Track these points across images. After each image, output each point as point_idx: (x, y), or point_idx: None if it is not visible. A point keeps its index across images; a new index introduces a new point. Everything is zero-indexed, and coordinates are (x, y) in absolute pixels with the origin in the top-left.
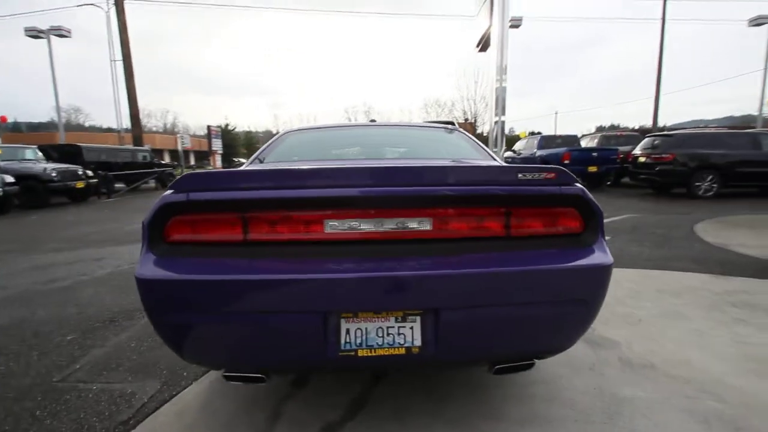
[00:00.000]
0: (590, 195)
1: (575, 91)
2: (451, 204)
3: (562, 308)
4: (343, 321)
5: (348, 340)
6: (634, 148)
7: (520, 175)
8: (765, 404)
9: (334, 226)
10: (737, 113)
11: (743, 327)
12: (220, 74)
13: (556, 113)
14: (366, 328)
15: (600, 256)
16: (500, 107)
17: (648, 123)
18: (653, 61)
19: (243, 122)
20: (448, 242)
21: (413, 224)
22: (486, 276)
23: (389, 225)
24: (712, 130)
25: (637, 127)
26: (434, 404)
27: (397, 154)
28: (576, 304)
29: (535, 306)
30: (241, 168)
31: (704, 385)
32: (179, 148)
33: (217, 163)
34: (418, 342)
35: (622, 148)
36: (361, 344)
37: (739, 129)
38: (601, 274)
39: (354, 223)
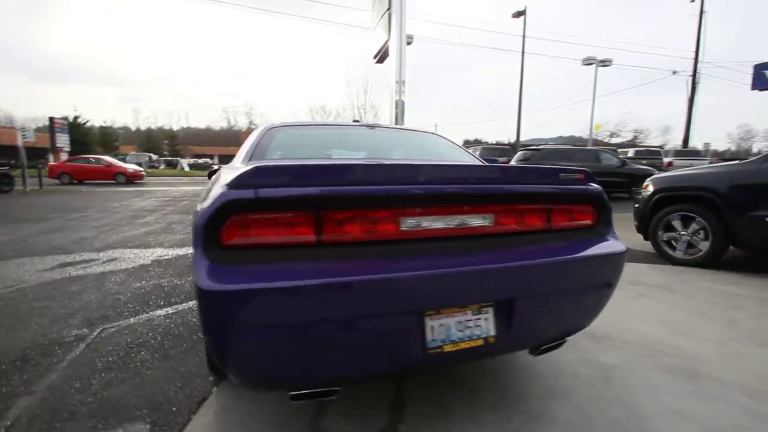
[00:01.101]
0: (604, 193)
1: (452, 107)
2: (509, 201)
3: (597, 290)
4: (427, 319)
5: (434, 338)
6: (510, 160)
7: (561, 176)
8: (698, 354)
9: (410, 224)
10: (565, 134)
11: (646, 300)
12: (55, 58)
13: (435, 125)
14: (448, 324)
15: (619, 244)
16: (400, 119)
17: (504, 138)
18: (506, 86)
19: (97, 116)
20: (507, 236)
21: (477, 221)
22: (550, 265)
23: (457, 221)
24: (555, 146)
25: (494, 142)
26: (469, 394)
27: (403, 154)
28: (605, 287)
29: (582, 290)
30: (299, 163)
31: (654, 346)
32: (19, 143)
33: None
34: (492, 332)
35: (500, 159)
36: (445, 340)
37: (577, 146)
38: (622, 259)
39: (428, 220)
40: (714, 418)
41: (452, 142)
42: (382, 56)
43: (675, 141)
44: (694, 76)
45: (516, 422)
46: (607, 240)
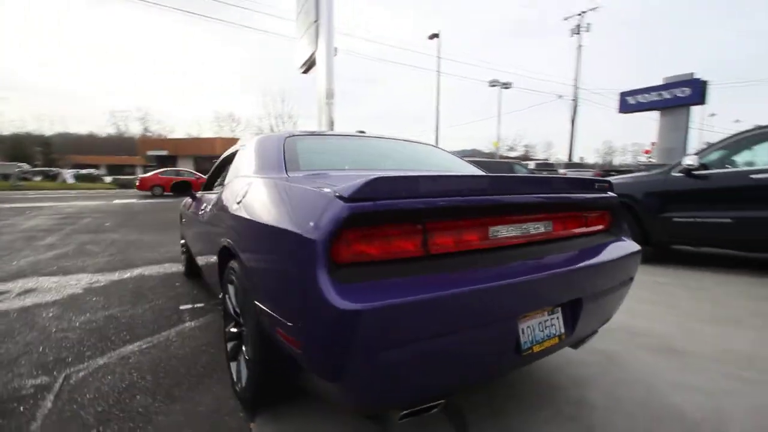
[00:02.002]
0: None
1: (368, 119)
2: (565, 208)
3: (627, 284)
4: (519, 323)
5: (525, 339)
6: None
7: (596, 185)
8: (665, 333)
9: (499, 232)
10: (467, 148)
11: None
12: None
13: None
14: (533, 325)
15: (635, 243)
16: (329, 129)
17: None
18: (418, 102)
19: None
20: (562, 241)
21: (542, 227)
22: (605, 265)
23: (530, 228)
24: (477, 159)
25: None
26: (513, 389)
27: (428, 165)
28: (630, 281)
29: (620, 285)
30: (411, 174)
31: (630, 330)
32: None
33: None
34: (562, 330)
35: None
36: (533, 341)
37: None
38: (640, 255)
39: (512, 228)
40: (708, 384)
41: (452, 155)
42: (308, 66)
43: (556, 155)
44: (575, 100)
45: (568, 410)
46: (625, 240)
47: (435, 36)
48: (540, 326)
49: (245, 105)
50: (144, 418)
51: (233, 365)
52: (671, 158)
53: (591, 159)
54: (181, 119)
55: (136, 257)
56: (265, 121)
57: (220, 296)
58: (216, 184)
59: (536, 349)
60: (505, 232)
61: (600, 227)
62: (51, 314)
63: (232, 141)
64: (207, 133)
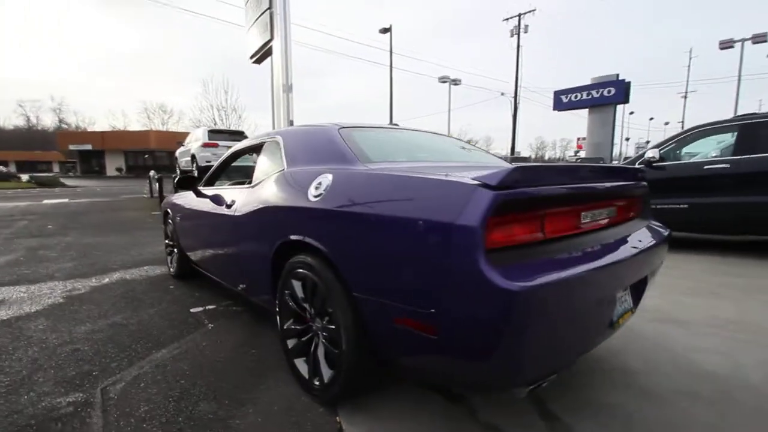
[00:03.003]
0: None
1: (322, 111)
2: (626, 195)
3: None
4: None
5: (616, 312)
6: None
7: (639, 174)
8: (660, 307)
9: (587, 217)
10: None
11: None
12: None
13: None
14: (619, 299)
15: (664, 226)
16: (285, 122)
17: None
18: (369, 96)
19: None
20: (619, 225)
21: (611, 212)
22: (661, 245)
23: (606, 213)
24: None
25: None
26: (578, 375)
27: (463, 157)
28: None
29: (661, 263)
30: (549, 164)
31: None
32: None
33: None
34: (631, 304)
35: None
36: (619, 314)
37: None
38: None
39: (593, 214)
40: (718, 346)
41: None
42: (261, 57)
43: (495, 149)
44: (515, 96)
45: (618, 377)
46: (656, 223)
47: (386, 30)
48: (620, 301)
49: (181, 96)
50: (221, 424)
51: (299, 362)
52: (599, 152)
53: (525, 153)
54: (103, 110)
55: (108, 261)
56: (207, 113)
57: (247, 296)
58: (224, 180)
59: (620, 322)
60: (590, 217)
61: (638, 211)
62: (41, 326)
63: (171, 134)
64: (134, 125)
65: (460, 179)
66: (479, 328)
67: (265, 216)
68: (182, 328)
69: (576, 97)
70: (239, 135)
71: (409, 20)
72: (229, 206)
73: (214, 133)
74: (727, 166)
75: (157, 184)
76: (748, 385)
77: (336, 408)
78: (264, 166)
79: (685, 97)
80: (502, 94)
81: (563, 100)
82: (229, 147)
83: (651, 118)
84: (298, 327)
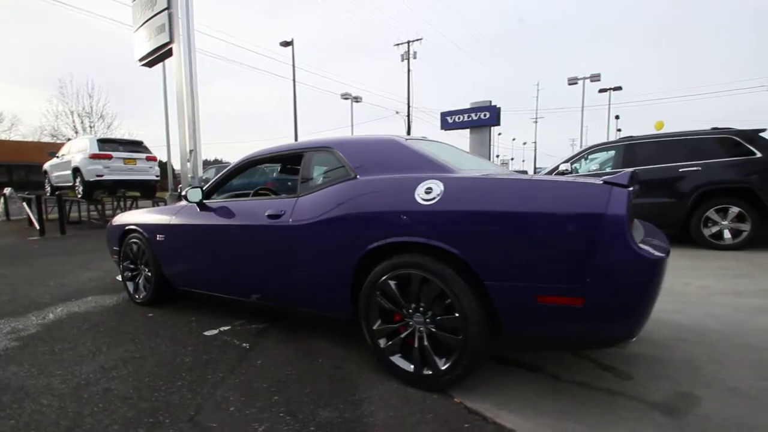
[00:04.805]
0: None
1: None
2: None
3: None
4: None
5: None
6: None
7: None
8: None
9: None
10: None
11: None
12: None
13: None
14: None
15: None
16: (193, 137)
17: None
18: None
19: None
20: None
21: None
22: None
23: None
24: None
25: None
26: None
27: (487, 165)
28: None
29: None
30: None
31: None
32: None
33: None
34: None
35: None
36: None
37: None
38: None
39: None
40: (735, 314)
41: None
42: (154, 60)
43: None
44: (408, 116)
45: (682, 345)
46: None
47: (288, 44)
48: None
49: (21, 99)
50: (357, 424)
51: (396, 359)
52: None
53: None
54: None
55: (30, 295)
56: (64, 120)
57: (288, 307)
58: (238, 193)
59: None
60: None
61: None
62: (23, 373)
63: (15, 144)
64: None
65: (595, 181)
66: (626, 291)
67: (346, 222)
68: (217, 352)
69: (459, 118)
70: (137, 145)
71: (305, 37)
72: (276, 217)
73: (106, 143)
74: None
75: (24, 203)
76: (704, 330)
77: (447, 392)
78: (316, 175)
79: (536, 122)
80: (397, 112)
81: (449, 121)
82: (128, 159)
83: (513, 139)
84: (390, 326)
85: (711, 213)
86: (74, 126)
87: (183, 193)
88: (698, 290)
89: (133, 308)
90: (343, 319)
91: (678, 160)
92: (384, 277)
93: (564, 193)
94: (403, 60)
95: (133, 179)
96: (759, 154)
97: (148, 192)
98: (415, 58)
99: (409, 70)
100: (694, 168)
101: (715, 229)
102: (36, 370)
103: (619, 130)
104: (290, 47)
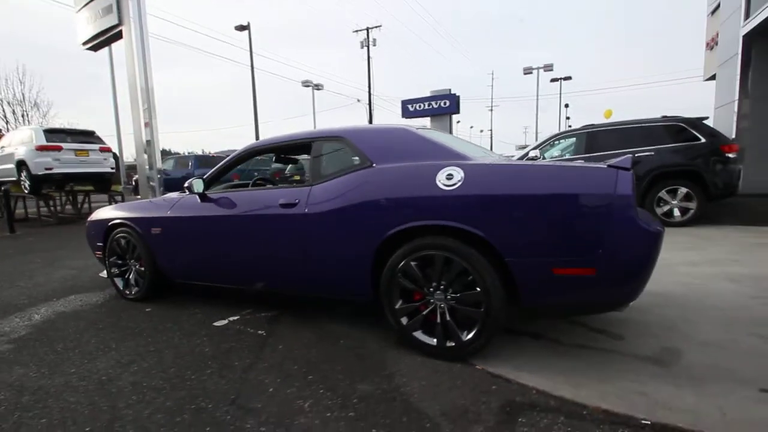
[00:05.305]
0: None
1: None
2: None
3: None
4: None
5: None
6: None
7: None
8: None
9: None
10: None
11: None
12: None
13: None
14: None
15: None
16: (150, 126)
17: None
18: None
19: None
20: None
21: None
22: None
23: None
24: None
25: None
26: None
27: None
28: None
29: None
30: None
31: None
32: None
33: None
34: None
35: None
36: None
37: None
38: None
39: None
40: (694, 281)
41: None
42: (100, 43)
43: None
44: (369, 104)
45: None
46: None
47: (244, 28)
48: None
49: None
50: (395, 393)
51: (418, 334)
52: None
53: None
54: None
55: (6, 296)
56: None
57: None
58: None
59: None
60: None
61: None
62: (33, 374)
63: None
64: None
65: (602, 165)
66: (633, 260)
67: (367, 208)
68: (234, 340)
69: (420, 106)
70: (89, 135)
71: (258, 21)
72: (290, 205)
73: (54, 134)
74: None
75: None
76: (672, 295)
77: (468, 361)
78: (329, 163)
79: (491, 110)
80: (358, 100)
81: (410, 109)
82: (80, 150)
83: (471, 126)
84: (411, 304)
85: (662, 194)
86: (4, 115)
87: (186, 184)
88: (660, 262)
89: (127, 304)
90: (359, 302)
91: (633, 145)
92: (406, 259)
93: (576, 176)
94: (362, 47)
95: (86, 172)
96: (703, 140)
97: (103, 186)
98: (374, 45)
99: (369, 58)
100: (647, 153)
101: (666, 208)
102: (46, 370)
103: (568, 117)
104: (246, 31)
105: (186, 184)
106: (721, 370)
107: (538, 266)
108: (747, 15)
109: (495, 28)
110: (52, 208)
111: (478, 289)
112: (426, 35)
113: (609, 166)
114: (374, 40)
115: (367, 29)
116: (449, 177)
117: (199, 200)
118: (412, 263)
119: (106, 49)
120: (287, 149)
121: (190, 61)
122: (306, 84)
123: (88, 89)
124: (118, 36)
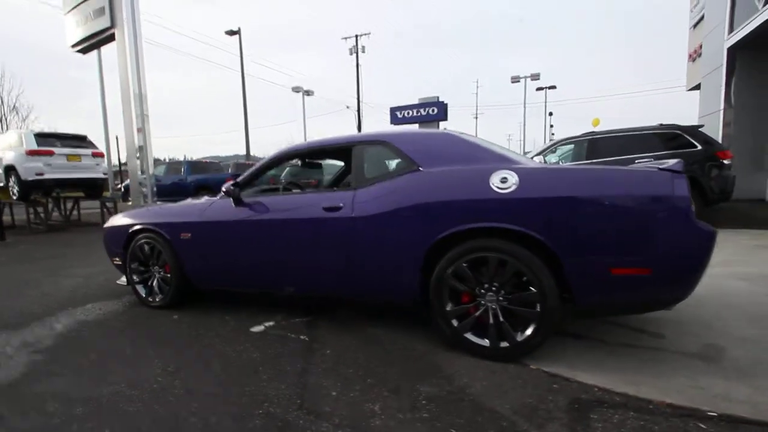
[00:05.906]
0: None
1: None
2: None
3: None
4: None
5: None
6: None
7: None
8: None
9: None
10: (230, 153)
11: None
12: None
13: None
14: None
15: None
16: (143, 132)
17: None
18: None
19: None
20: None
21: None
22: None
23: None
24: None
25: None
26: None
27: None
28: None
29: None
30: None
31: None
32: None
33: None
34: None
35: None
36: None
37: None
38: None
39: None
40: (712, 281)
41: None
42: (91, 46)
43: None
44: (358, 110)
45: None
46: None
47: (234, 33)
48: None
49: None
50: (462, 394)
51: (470, 335)
52: None
53: None
54: None
55: (18, 306)
56: None
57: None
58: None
59: None
60: None
61: None
62: (75, 384)
63: None
64: None
65: (655, 169)
66: (689, 260)
67: (417, 211)
68: (279, 346)
69: (408, 113)
70: (81, 140)
71: (248, 26)
72: (334, 209)
73: (45, 138)
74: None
75: None
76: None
77: (520, 361)
78: (371, 167)
79: (476, 117)
80: (348, 107)
81: (398, 116)
82: (72, 155)
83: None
84: (462, 306)
85: None
86: None
87: (224, 188)
88: None
89: (150, 312)
90: (399, 305)
91: (633, 152)
92: (458, 261)
93: (633, 180)
94: (351, 54)
95: (78, 178)
96: (699, 147)
97: (95, 191)
98: (363, 52)
99: (358, 65)
100: (647, 159)
101: None
102: (87, 380)
103: (551, 125)
104: (237, 36)
105: (223, 188)
106: (765, 363)
107: (596, 267)
108: (731, 29)
109: (492, 33)
110: (42, 215)
111: (533, 289)
112: (416, 42)
113: (660, 169)
114: (363, 47)
115: (356, 36)
116: (503, 180)
117: (233, 204)
118: (464, 265)
119: (94, 52)
120: (325, 153)
121: (168, 65)
122: (296, 90)
123: (73, 92)
124: (110, 39)
